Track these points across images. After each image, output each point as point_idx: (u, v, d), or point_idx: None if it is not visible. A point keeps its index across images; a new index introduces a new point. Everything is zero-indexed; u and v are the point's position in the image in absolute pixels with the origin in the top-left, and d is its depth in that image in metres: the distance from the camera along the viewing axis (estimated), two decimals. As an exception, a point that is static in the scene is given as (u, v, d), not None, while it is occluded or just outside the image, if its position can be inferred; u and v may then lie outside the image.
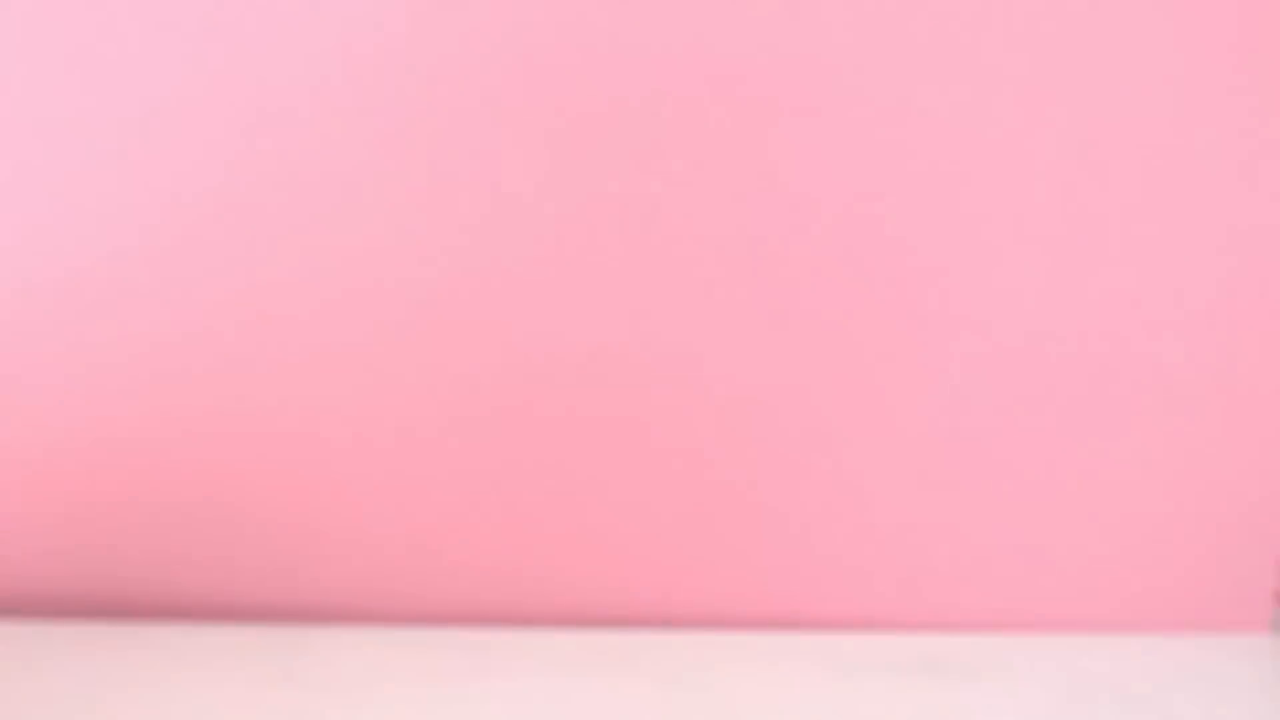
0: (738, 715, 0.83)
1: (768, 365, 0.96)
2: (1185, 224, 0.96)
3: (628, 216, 0.95)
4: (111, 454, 0.96)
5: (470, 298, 0.95)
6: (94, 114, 0.93)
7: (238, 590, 0.97)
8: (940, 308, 0.96)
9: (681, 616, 0.98)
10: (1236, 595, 0.99)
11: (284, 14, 0.92)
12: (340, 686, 0.85)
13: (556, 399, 0.96)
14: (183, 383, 0.95)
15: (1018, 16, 0.94)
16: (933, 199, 0.95)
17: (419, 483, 0.97)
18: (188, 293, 0.94)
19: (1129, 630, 0.98)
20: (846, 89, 0.94)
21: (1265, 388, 0.97)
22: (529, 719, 0.81)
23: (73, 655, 0.89)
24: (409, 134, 0.94)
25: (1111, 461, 0.98)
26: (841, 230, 0.95)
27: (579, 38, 0.93)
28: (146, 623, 0.95)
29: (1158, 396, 0.97)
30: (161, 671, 0.86)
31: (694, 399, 0.97)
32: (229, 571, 0.97)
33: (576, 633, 0.96)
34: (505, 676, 0.88)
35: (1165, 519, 0.98)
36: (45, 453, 0.95)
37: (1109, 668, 0.91)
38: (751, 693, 0.86)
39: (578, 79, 0.94)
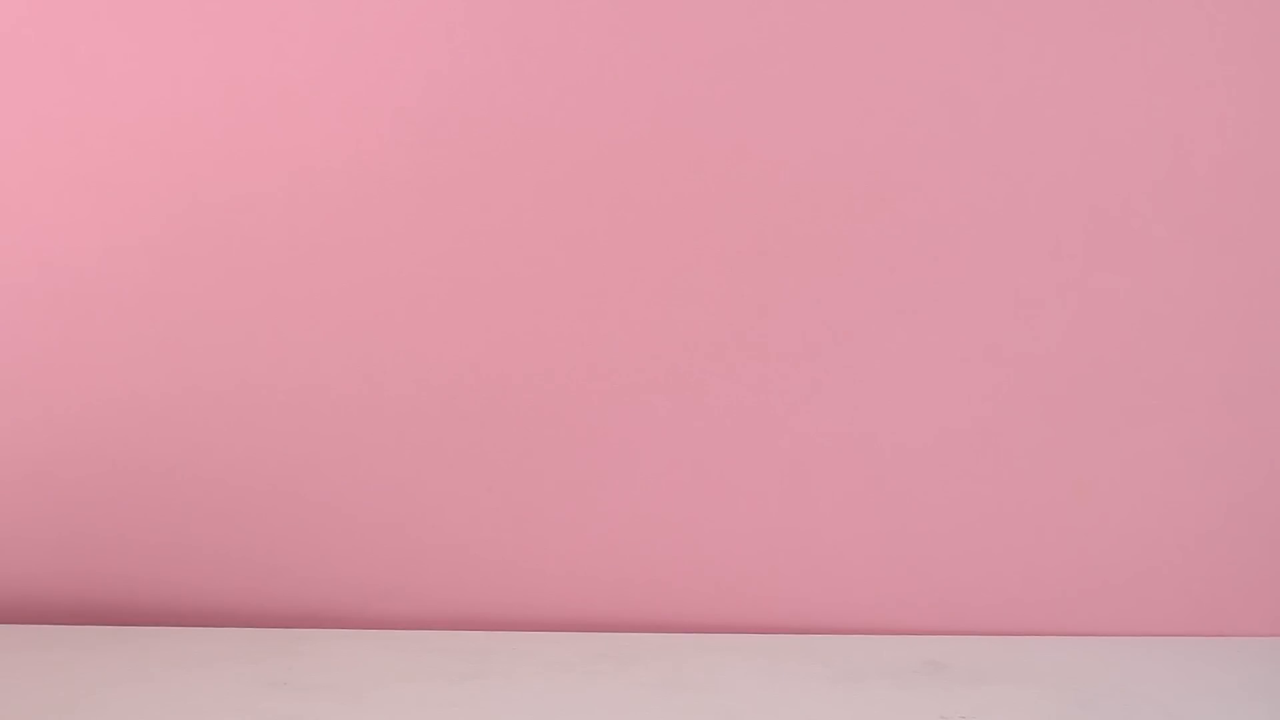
0: (739, 719, 0.82)
1: (769, 367, 0.96)
2: (1197, 223, 0.96)
3: (630, 219, 0.95)
4: (106, 458, 0.95)
5: (471, 298, 0.95)
6: (93, 114, 0.93)
7: (234, 594, 0.97)
8: (943, 310, 0.96)
9: (682, 619, 0.98)
10: (1248, 599, 0.99)
11: (284, 15, 0.92)
12: (336, 691, 0.85)
13: (556, 401, 0.96)
14: (177, 387, 0.95)
15: (1020, 17, 0.94)
16: (935, 200, 0.95)
17: (416, 486, 0.97)
18: (182, 298, 0.94)
19: (1138, 634, 0.98)
20: (848, 88, 0.94)
21: (1278, 389, 0.97)
22: (528, 722, 0.81)
23: (68, 659, 0.88)
24: (408, 135, 0.93)
25: (1120, 463, 0.97)
26: (843, 235, 0.95)
27: (578, 46, 0.93)
28: (142, 627, 0.95)
29: (1167, 397, 0.97)
30: (158, 676, 0.86)
31: (695, 400, 0.96)
32: (225, 576, 0.97)
33: (576, 636, 0.95)
34: (503, 680, 0.87)
35: (1175, 522, 0.98)
36: (39, 458, 0.95)
37: (1116, 671, 0.91)
38: (753, 696, 0.86)
39: (578, 85, 0.94)
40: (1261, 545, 0.99)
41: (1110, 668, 0.92)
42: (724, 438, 0.97)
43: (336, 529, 0.97)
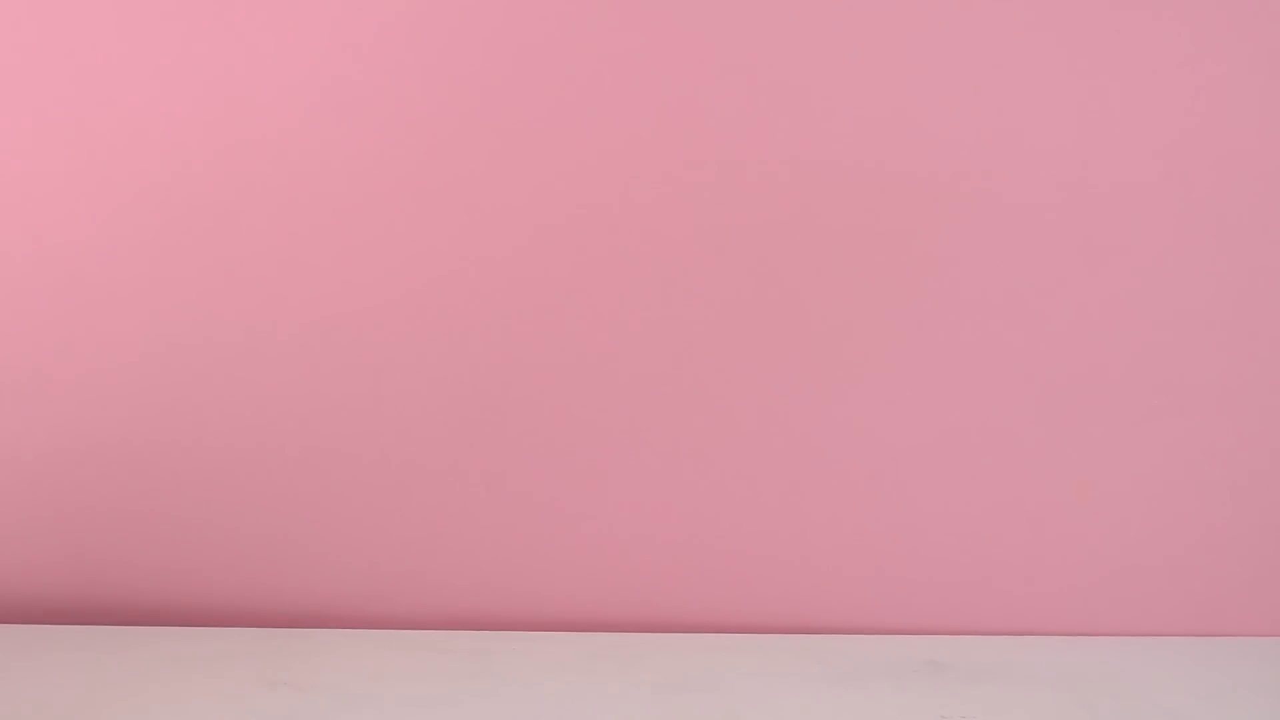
0: (739, 719, 0.82)
1: (769, 368, 0.96)
2: (1198, 224, 0.96)
3: (629, 220, 0.95)
4: (107, 459, 0.95)
5: (468, 300, 0.95)
6: (93, 115, 0.93)
7: (234, 594, 0.97)
8: (943, 310, 0.96)
9: (682, 619, 0.98)
10: (1248, 599, 0.99)
11: (281, 12, 0.92)
12: (335, 690, 0.85)
13: (555, 401, 0.96)
14: (177, 388, 0.95)
15: (1023, 16, 0.94)
16: (935, 198, 0.95)
17: (415, 487, 0.97)
18: (183, 297, 0.94)
19: (1138, 634, 0.98)
20: (851, 85, 0.94)
21: (1278, 389, 0.97)
22: (528, 722, 0.81)
23: (69, 659, 0.88)
24: (407, 133, 0.93)
25: (1120, 463, 0.97)
26: (843, 232, 0.95)
27: (578, 45, 0.93)
28: (142, 627, 0.95)
29: (1167, 397, 0.97)
30: (158, 675, 0.86)
31: (694, 401, 0.96)
32: (225, 575, 0.97)
33: (576, 636, 0.95)
34: (503, 680, 0.87)
35: (1176, 521, 0.98)
36: (40, 458, 0.95)
37: (1116, 671, 0.91)
38: (753, 696, 0.86)
39: (577, 84, 0.94)
40: (1261, 545, 0.99)
41: (1110, 668, 0.91)
42: (724, 438, 0.97)
43: (336, 529, 0.97)
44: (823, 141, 0.94)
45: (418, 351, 0.95)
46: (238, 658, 0.89)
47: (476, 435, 0.96)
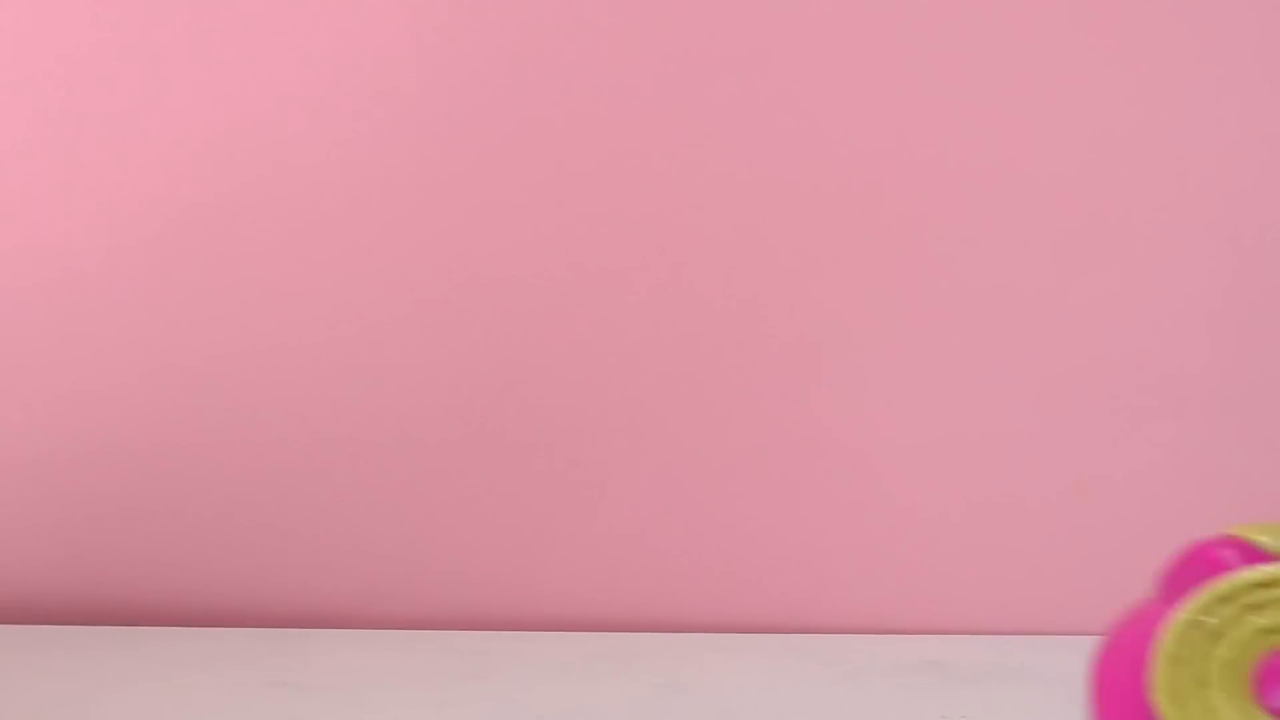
0: (739, 719, 0.82)
1: (767, 366, 0.96)
2: (1198, 220, 0.96)
3: (626, 219, 0.95)
4: (106, 459, 0.95)
5: (468, 300, 0.95)
6: (94, 116, 0.93)
7: (234, 594, 0.97)
8: (943, 310, 0.96)
9: (682, 619, 0.98)
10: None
11: (285, 15, 0.92)
12: (335, 690, 0.85)
13: (555, 401, 0.96)
14: (176, 388, 0.95)
15: (1024, 12, 0.94)
16: (934, 197, 0.95)
17: (415, 487, 0.97)
18: (182, 298, 0.94)
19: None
20: (850, 83, 0.94)
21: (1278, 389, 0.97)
22: (528, 722, 0.81)
23: (69, 659, 0.88)
24: (407, 135, 0.94)
25: (1120, 463, 0.97)
26: (842, 236, 0.95)
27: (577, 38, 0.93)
28: (142, 627, 0.95)
29: (1167, 397, 0.97)
30: (157, 676, 0.86)
31: (694, 400, 0.96)
32: (225, 576, 0.97)
33: (576, 636, 0.95)
34: (503, 680, 0.87)
35: (1175, 521, 0.98)
36: (40, 458, 0.95)
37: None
38: (753, 696, 0.86)
39: (576, 76, 0.94)
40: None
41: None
42: (723, 437, 0.97)
43: (336, 529, 0.97)
44: (819, 142, 0.94)
45: (418, 352, 0.95)
46: (238, 658, 0.89)
47: (476, 435, 0.96)
